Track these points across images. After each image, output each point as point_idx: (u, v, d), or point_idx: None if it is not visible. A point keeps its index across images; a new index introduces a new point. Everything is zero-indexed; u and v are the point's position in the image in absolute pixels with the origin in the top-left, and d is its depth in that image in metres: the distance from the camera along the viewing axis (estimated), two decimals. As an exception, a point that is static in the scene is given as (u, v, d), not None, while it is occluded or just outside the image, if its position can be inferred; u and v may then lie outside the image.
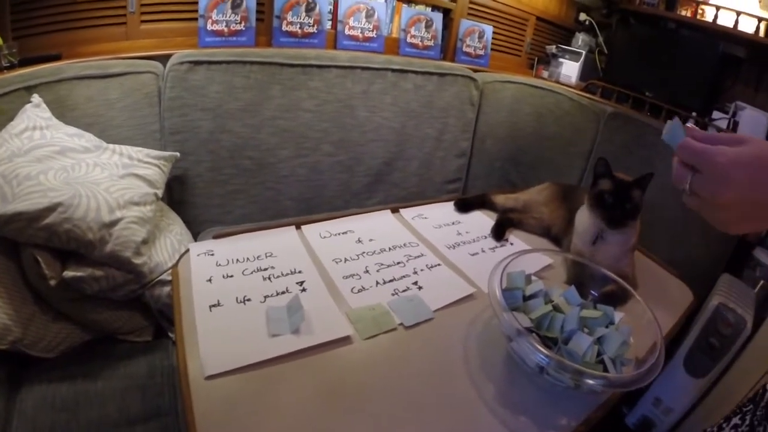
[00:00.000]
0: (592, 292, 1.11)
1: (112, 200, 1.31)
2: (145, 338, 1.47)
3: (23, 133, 1.37)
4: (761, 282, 1.71)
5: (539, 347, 0.83)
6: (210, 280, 1.10)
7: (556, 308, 0.99)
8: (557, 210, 1.52)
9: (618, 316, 1.00)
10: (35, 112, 1.44)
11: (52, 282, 1.22)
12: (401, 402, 0.87)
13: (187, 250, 1.21)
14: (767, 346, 1.47)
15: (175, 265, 1.16)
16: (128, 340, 1.45)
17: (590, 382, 0.81)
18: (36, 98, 1.48)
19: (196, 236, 1.79)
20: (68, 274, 1.24)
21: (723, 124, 2.15)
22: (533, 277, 1.10)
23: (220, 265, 1.16)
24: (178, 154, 1.67)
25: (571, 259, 1.23)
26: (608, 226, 1.23)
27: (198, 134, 1.80)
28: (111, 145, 1.53)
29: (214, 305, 1.02)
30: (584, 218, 1.29)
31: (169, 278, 1.35)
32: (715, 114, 2.23)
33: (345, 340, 0.98)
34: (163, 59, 1.77)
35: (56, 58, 1.66)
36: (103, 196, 1.30)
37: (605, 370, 0.88)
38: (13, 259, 1.24)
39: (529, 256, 1.13)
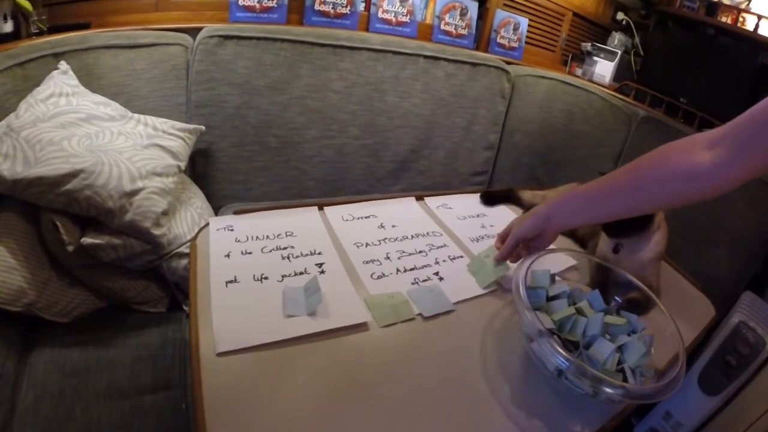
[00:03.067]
0: (616, 298, 1.08)
1: (134, 169, 1.30)
2: (160, 309, 1.47)
3: (49, 99, 1.36)
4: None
5: (560, 350, 0.80)
6: (228, 256, 1.08)
7: (579, 311, 0.96)
8: (584, 211, 1.48)
9: (641, 325, 0.96)
10: (62, 79, 1.43)
11: (70, 248, 1.22)
12: (414, 393, 0.84)
13: (207, 224, 1.19)
14: (785, 370, 1.44)
15: (194, 239, 1.15)
16: (142, 311, 1.45)
17: (609, 390, 0.78)
18: (63, 65, 1.48)
19: (217, 211, 1.78)
20: (86, 240, 1.24)
21: (757, 136, 2.09)
22: (557, 278, 1.08)
23: (239, 241, 1.14)
24: (203, 127, 1.66)
25: (596, 263, 1.19)
26: (607, 235, 1.21)
27: (224, 109, 1.79)
28: (136, 115, 1.52)
29: (230, 281, 1.00)
30: None
31: (187, 251, 1.35)
32: (751, 126, 2.17)
33: (361, 327, 0.95)
34: (193, 32, 1.76)
35: (85, 26, 1.66)
36: (125, 165, 1.29)
37: (624, 379, 0.85)
38: (32, 223, 1.25)
39: (554, 256, 1.11)
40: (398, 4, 2.20)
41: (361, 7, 2.18)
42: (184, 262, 1.39)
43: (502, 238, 1.11)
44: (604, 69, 2.69)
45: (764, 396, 1.45)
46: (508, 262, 1.13)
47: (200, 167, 1.82)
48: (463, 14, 2.38)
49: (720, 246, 1.81)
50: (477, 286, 1.14)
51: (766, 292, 1.71)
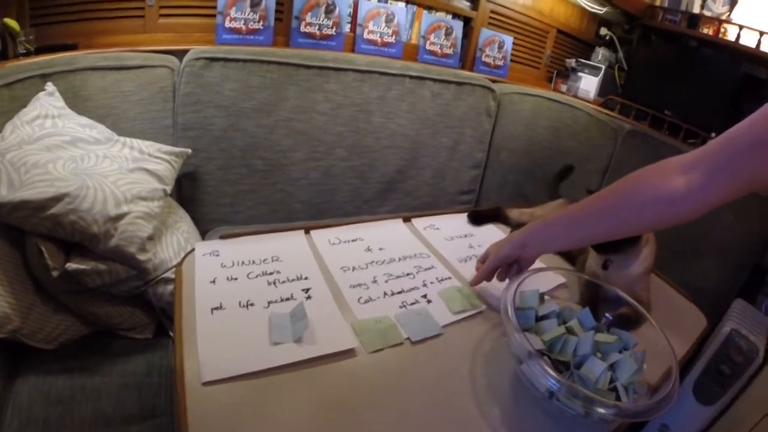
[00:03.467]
0: (606, 314, 1.08)
1: (119, 194, 1.29)
2: (146, 336, 1.45)
3: (35, 120, 1.36)
4: (774, 309, 1.68)
5: (550, 371, 0.80)
6: (214, 282, 1.07)
7: (570, 330, 0.96)
8: (572, 227, 1.48)
9: (633, 341, 0.96)
10: (48, 101, 1.43)
11: (55, 273, 1.20)
12: (403, 419, 0.83)
13: (193, 249, 1.19)
14: (779, 376, 1.44)
15: (180, 264, 1.14)
16: (128, 337, 1.43)
17: (601, 410, 0.78)
18: (50, 86, 1.47)
19: (203, 234, 1.77)
20: (71, 266, 1.22)
21: (742, 145, 2.11)
22: (546, 297, 1.07)
23: (225, 266, 1.13)
24: (189, 150, 1.65)
25: (585, 280, 1.19)
26: (596, 252, 1.22)
27: (211, 131, 1.79)
28: (122, 138, 1.51)
29: (216, 308, 0.99)
30: None
31: (173, 277, 1.34)
32: (735, 135, 2.19)
33: (349, 353, 0.94)
34: (180, 54, 1.77)
35: (73, 47, 1.66)
36: (110, 189, 1.28)
37: (617, 396, 0.85)
38: (17, 247, 1.24)
39: (542, 274, 1.11)
40: (383, 24, 2.22)
41: (347, 28, 2.19)
42: (170, 287, 1.38)
43: (482, 260, 1.13)
44: (588, 84, 2.72)
45: (759, 403, 1.45)
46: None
47: (187, 190, 1.81)
48: (448, 34, 2.40)
49: (708, 257, 1.82)
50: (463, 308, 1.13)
51: (757, 300, 1.72)
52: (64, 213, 1.18)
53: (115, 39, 1.80)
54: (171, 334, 1.45)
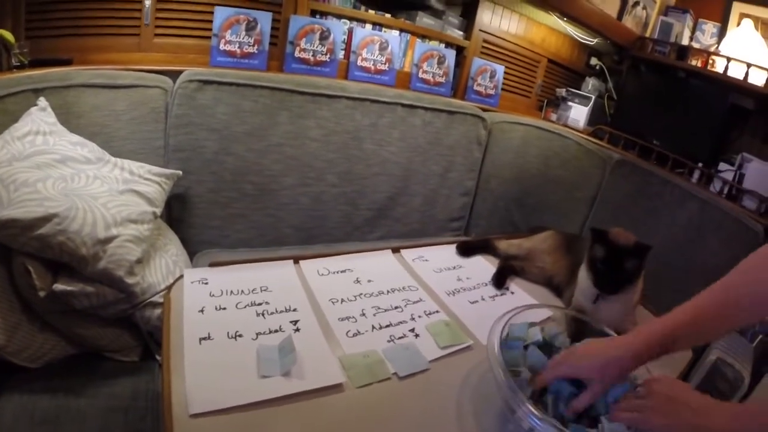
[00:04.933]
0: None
1: (109, 216, 1.29)
2: (132, 358, 1.44)
3: (26, 136, 1.35)
4: (759, 336, 1.69)
5: (534, 411, 0.80)
6: (202, 311, 1.07)
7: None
8: (560, 260, 1.50)
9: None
10: (40, 116, 1.42)
11: (42, 293, 1.19)
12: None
13: (181, 276, 1.18)
14: (763, 404, 1.45)
15: (168, 290, 1.14)
16: (114, 359, 1.41)
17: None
18: (42, 102, 1.47)
19: (192, 255, 1.76)
20: (58, 287, 1.21)
21: (729, 176, 2.14)
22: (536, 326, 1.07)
23: (213, 295, 1.13)
24: (180, 172, 1.65)
25: (572, 316, 1.20)
26: (600, 292, 1.22)
27: (202, 154, 1.79)
28: (113, 159, 1.51)
29: (204, 338, 0.99)
30: (585, 277, 1.27)
31: (161, 300, 1.33)
32: (722, 165, 2.22)
33: (337, 387, 0.94)
34: (173, 75, 1.77)
35: (67, 62, 1.66)
36: (100, 211, 1.27)
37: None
38: (3, 265, 1.22)
39: (528, 313, 1.10)
40: (377, 52, 2.24)
41: (341, 55, 2.22)
42: (157, 311, 1.37)
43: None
44: (578, 114, 2.76)
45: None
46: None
47: (176, 212, 1.80)
48: (440, 62, 2.42)
49: (696, 284, 1.83)
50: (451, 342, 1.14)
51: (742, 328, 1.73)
52: (53, 234, 1.17)
53: (110, 56, 1.80)
54: (158, 357, 1.44)
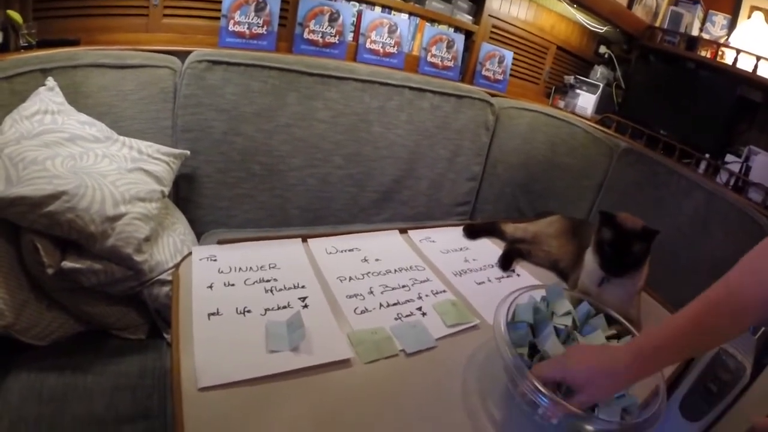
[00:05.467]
0: None
1: (117, 194, 1.29)
2: (139, 336, 1.45)
3: (34, 116, 1.35)
4: (762, 329, 1.69)
5: (541, 388, 0.81)
6: (211, 287, 1.08)
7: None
8: (566, 245, 1.50)
9: None
10: (48, 96, 1.43)
11: (50, 271, 1.20)
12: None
13: (190, 253, 1.19)
14: (765, 395, 1.45)
15: (177, 267, 1.14)
16: (122, 337, 1.42)
17: (590, 428, 0.79)
18: (50, 81, 1.47)
19: (199, 236, 1.77)
20: (67, 264, 1.21)
21: (735, 167, 2.14)
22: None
23: (222, 272, 1.14)
24: (188, 152, 1.65)
25: (577, 298, 1.21)
26: (607, 274, 1.22)
27: (210, 134, 1.79)
28: (121, 138, 1.51)
29: (213, 313, 1.00)
30: (591, 260, 1.27)
31: (169, 278, 1.34)
32: (728, 157, 2.21)
33: (344, 363, 0.95)
34: (182, 55, 1.77)
35: (75, 43, 1.66)
36: (109, 189, 1.28)
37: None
38: (12, 243, 1.23)
39: (533, 293, 1.11)
40: (386, 35, 2.23)
41: (350, 37, 2.21)
42: (165, 289, 1.37)
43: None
44: (586, 101, 2.74)
45: (745, 421, 1.46)
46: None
47: (184, 192, 1.81)
48: (449, 46, 2.41)
49: (701, 274, 1.84)
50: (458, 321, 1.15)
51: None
52: (62, 211, 1.17)
53: (118, 37, 1.80)
54: (165, 335, 1.45)
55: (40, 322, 1.26)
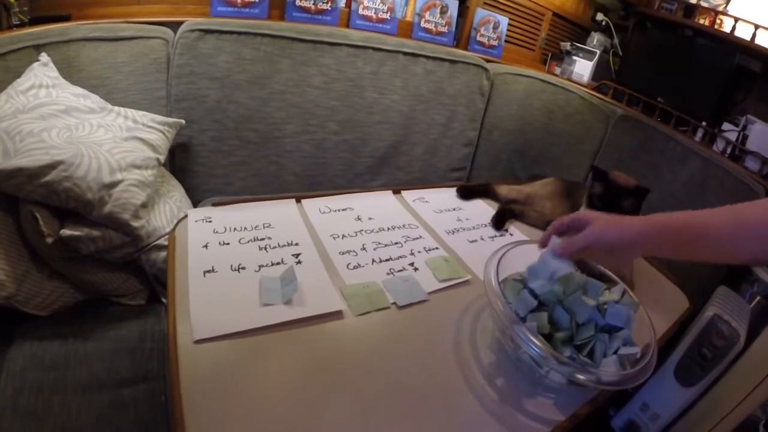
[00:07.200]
0: None
1: (113, 162, 1.30)
2: (139, 302, 1.47)
3: (29, 90, 1.36)
4: (758, 298, 1.71)
5: (532, 338, 0.82)
6: (206, 247, 1.10)
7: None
8: (560, 206, 1.51)
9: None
10: (42, 71, 1.43)
11: (49, 240, 1.21)
12: (387, 382, 0.86)
13: (185, 216, 1.21)
14: (758, 362, 1.47)
15: (173, 230, 1.16)
16: (121, 303, 1.44)
17: (581, 377, 0.81)
18: (44, 57, 1.48)
19: (196, 205, 1.77)
20: (65, 232, 1.23)
21: (732, 136, 2.13)
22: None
23: (217, 232, 1.16)
24: (183, 121, 1.66)
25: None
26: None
27: (204, 103, 1.79)
28: (116, 108, 1.52)
29: (208, 271, 1.02)
30: None
31: (166, 243, 1.36)
32: (726, 126, 2.21)
33: (336, 315, 0.97)
34: (174, 26, 1.76)
35: (66, 18, 1.65)
36: (105, 157, 1.29)
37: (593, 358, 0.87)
38: (11, 214, 1.24)
39: (527, 247, 1.12)
40: (379, 1, 2.21)
41: (342, 3, 2.19)
42: (162, 254, 1.39)
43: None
44: (582, 68, 2.73)
45: (739, 387, 1.48)
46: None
47: (180, 161, 1.82)
48: (443, 12, 2.39)
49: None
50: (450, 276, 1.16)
51: (741, 287, 1.75)
52: (59, 180, 1.18)
53: (108, 10, 1.79)
54: (164, 300, 1.47)
55: (41, 292, 1.28)
